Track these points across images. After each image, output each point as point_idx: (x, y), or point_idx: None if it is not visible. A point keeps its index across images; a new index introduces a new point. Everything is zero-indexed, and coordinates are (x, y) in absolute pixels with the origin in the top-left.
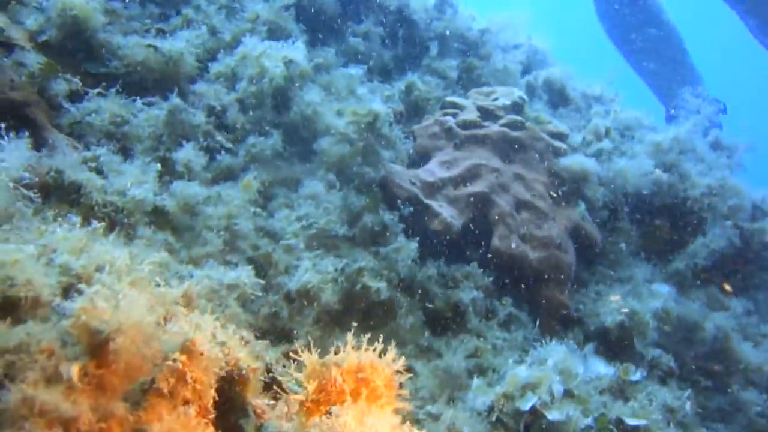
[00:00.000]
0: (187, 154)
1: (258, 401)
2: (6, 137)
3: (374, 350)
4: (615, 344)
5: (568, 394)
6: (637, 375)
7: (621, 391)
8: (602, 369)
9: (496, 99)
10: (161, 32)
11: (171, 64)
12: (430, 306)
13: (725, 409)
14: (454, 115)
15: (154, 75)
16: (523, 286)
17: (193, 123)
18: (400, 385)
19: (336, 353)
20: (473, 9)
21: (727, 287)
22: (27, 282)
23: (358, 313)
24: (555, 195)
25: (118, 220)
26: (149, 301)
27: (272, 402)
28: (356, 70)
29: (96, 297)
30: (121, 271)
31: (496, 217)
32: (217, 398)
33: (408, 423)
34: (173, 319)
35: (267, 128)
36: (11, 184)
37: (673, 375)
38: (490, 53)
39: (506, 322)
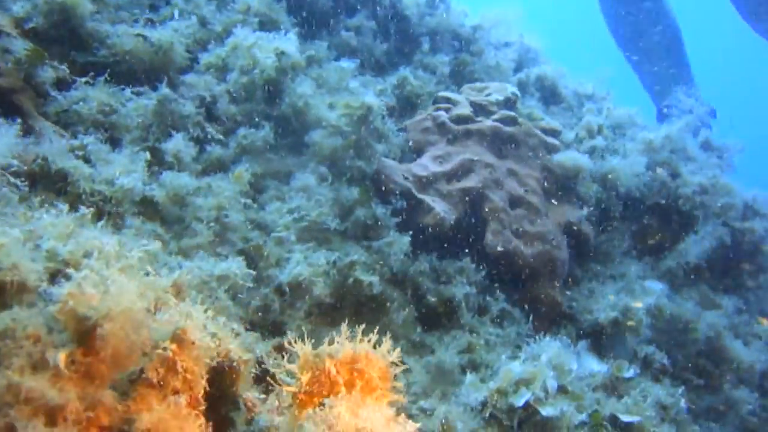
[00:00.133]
0: (177, 144)
1: (249, 394)
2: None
3: (369, 341)
4: (607, 341)
5: (561, 390)
6: (630, 372)
7: (614, 388)
8: (595, 366)
9: (489, 95)
10: (150, 22)
11: (160, 54)
12: (429, 300)
13: (717, 407)
14: (447, 110)
15: (143, 65)
16: (516, 281)
17: (183, 113)
18: (395, 377)
19: (330, 344)
20: (465, 5)
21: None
22: (12, 266)
23: (350, 307)
24: (548, 191)
25: (105, 210)
26: (139, 287)
27: (263, 396)
28: (348, 64)
29: (84, 282)
30: (110, 258)
31: (489, 213)
32: (207, 390)
33: (403, 415)
34: (163, 307)
35: (258, 120)
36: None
37: (667, 372)
38: (482, 50)
39: (499, 317)
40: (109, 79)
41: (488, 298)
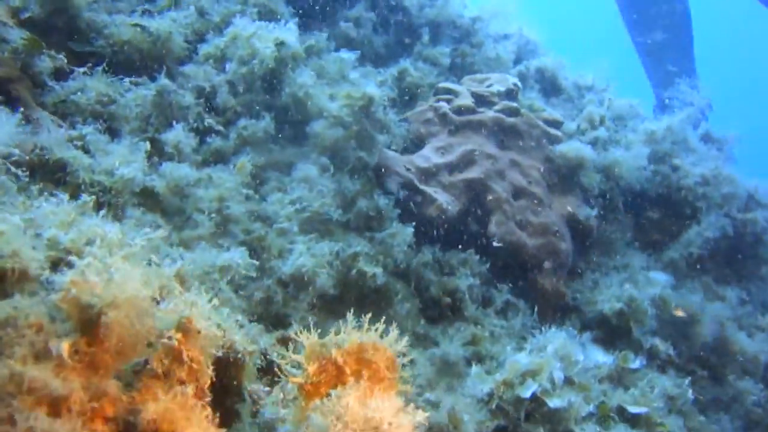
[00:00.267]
0: (177, 135)
1: (254, 386)
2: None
3: (376, 330)
4: (613, 332)
5: (568, 381)
6: (636, 363)
7: (620, 379)
8: (601, 357)
9: (490, 85)
10: (148, 12)
11: (159, 44)
12: (433, 292)
13: (721, 399)
14: (449, 101)
15: (141, 55)
16: (519, 273)
17: (183, 104)
18: (402, 367)
19: (336, 334)
20: None
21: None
22: (13, 254)
23: (353, 299)
24: (550, 182)
25: (105, 201)
26: (144, 275)
27: (267, 388)
28: (348, 55)
29: (87, 270)
30: (113, 246)
31: (493, 204)
32: (212, 381)
33: (412, 405)
34: (168, 296)
35: (258, 110)
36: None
37: (673, 363)
38: (482, 41)
39: (503, 309)
40: (107, 69)
41: (492, 289)
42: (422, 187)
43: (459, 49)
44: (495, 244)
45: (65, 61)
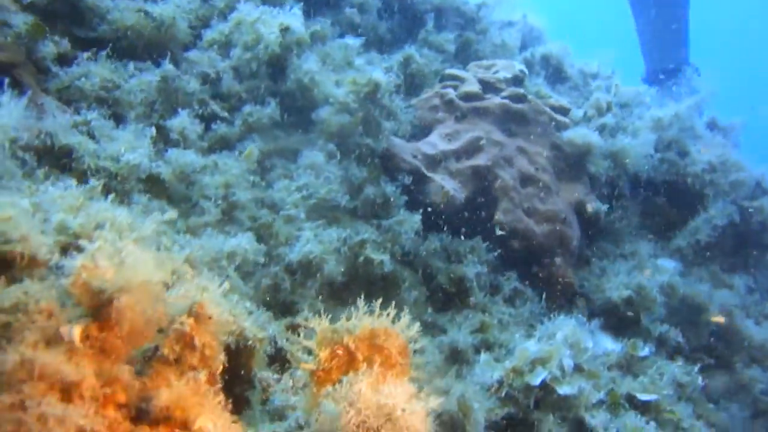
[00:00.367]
0: (182, 121)
1: (263, 374)
2: (4, 94)
3: (387, 316)
4: (621, 320)
5: (578, 368)
6: (645, 350)
7: (629, 366)
8: (609, 345)
9: (496, 72)
10: None
11: (163, 30)
12: (440, 280)
13: (729, 387)
14: (455, 88)
15: (145, 41)
16: (527, 260)
17: (187, 90)
18: (414, 353)
19: (348, 320)
20: None
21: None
22: (22, 238)
23: (361, 287)
24: (558, 169)
25: (111, 187)
26: (156, 259)
27: (276, 376)
28: (353, 41)
29: (98, 254)
30: (123, 229)
31: (500, 191)
32: (224, 367)
33: (425, 391)
34: (179, 281)
35: (263, 95)
36: (7, 144)
37: (682, 352)
38: (487, 28)
39: (511, 297)
40: (110, 54)
41: (500, 277)
42: (429, 174)
43: (464, 35)
44: (498, 232)
45: (69, 46)
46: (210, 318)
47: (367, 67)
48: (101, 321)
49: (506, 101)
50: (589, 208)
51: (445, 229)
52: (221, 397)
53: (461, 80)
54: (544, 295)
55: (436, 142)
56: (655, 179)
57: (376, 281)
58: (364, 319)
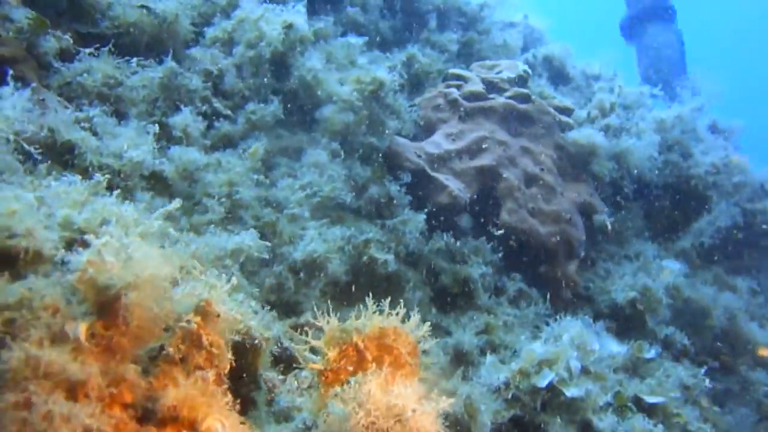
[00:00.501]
0: (185, 119)
1: (268, 374)
2: (7, 86)
3: (397, 315)
4: (626, 322)
5: (584, 370)
6: (651, 352)
7: (635, 369)
8: (615, 347)
9: (499, 72)
10: None
11: (165, 26)
12: (444, 280)
13: (733, 390)
14: (459, 87)
15: (147, 37)
16: (532, 261)
17: (190, 88)
18: (422, 353)
19: (356, 319)
20: None
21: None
22: (27, 233)
23: (365, 287)
24: (562, 169)
25: (114, 184)
26: (164, 255)
27: (281, 376)
28: (356, 40)
29: (104, 250)
30: (129, 225)
31: (504, 191)
32: (231, 366)
33: (435, 392)
34: (186, 277)
35: (266, 94)
36: (12, 137)
37: (688, 354)
38: (489, 28)
39: (516, 298)
40: (113, 50)
41: (505, 278)
42: (433, 174)
43: (467, 35)
44: (496, 232)
45: (71, 41)
46: (218, 316)
47: (370, 65)
48: (107, 319)
49: (510, 101)
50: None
51: (449, 228)
52: (229, 397)
53: (465, 80)
54: (548, 297)
55: (440, 142)
56: (658, 181)
57: (380, 281)
58: (373, 319)
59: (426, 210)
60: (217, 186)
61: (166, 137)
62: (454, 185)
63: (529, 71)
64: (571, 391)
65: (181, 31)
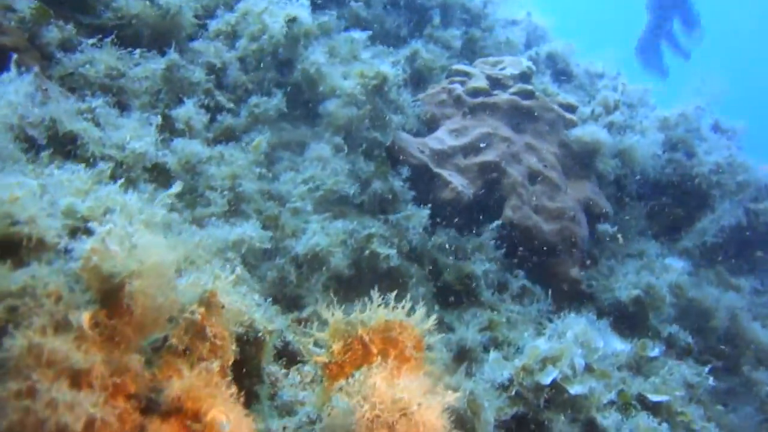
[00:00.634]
0: (188, 111)
1: (271, 368)
2: (11, 71)
3: (402, 308)
4: (629, 320)
5: (588, 368)
6: (655, 351)
7: (638, 367)
8: (618, 345)
9: (503, 68)
10: None
11: (168, 19)
12: (447, 277)
13: (736, 389)
14: (462, 83)
15: (150, 29)
16: (535, 258)
17: (193, 80)
18: (428, 348)
19: (361, 312)
20: None
21: None
22: (30, 220)
23: (367, 282)
24: (566, 166)
25: (117, 176)
26: (168, 244)
27: (284, 370)
28: (360, 35)
29: (108, 238)
30: (134, 213)
31: (508, 188)
32: (235, 359)
33: (441, 386)
34: (190, 267)
35: (270, 86)
36: (16, 122)
37: (691, 353)
38: (492, 25)
39: (519, 295)
40: (115, 42)
41: (508, 274)
42: (437, 169)
43: (470, 32)
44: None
45: (74, 31)
46: (222, 307)
47: (374, 60)
48: (111, 308)
49: (514, 97)
50: (597, 203)
51: (452, 225)
52: (233, 389)
53: (469, 76)
54: (550, 293)
55: (443, 138)
56: (661, 179)
57: (382, 277)
58: (378, 311)
59: (429, 206)
60: (219, 179)
61: (169, 129)
62: (458, 181)
63: (533, 68)
64: (575, 389)
65: (185, 23)
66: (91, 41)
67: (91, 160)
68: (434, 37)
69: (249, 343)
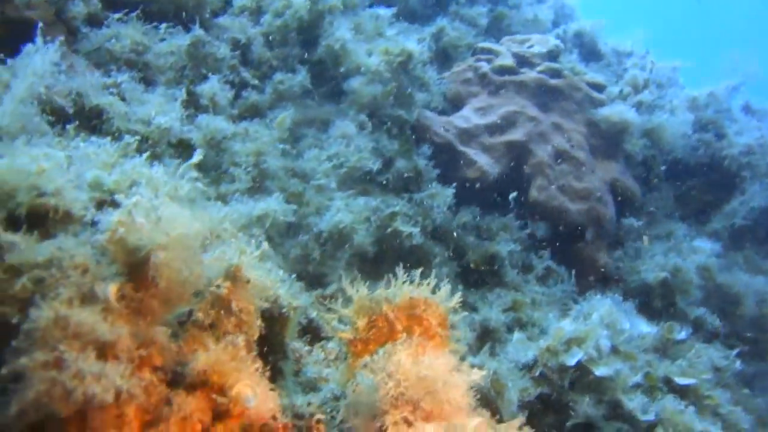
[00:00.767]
0: (213, 87)
1: (295, 344)
2: (36, 42)
3: (428, 285)
4: (656, 302)
5: (614, 350)
6: (681, 334)
7: (664, 350)
8: (644, 327)
9: (530, 46)
10: None
11: None
12: (471, 257)
13: (763, 373)
14: (488, 61)
15: (176, 5)
16: (560, 239)
17: (218, 56)
18: (453, 326)
19: (386, 288)
20: None
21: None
22: (56, 192)
23: (390, 261)
24: (593, 146)
25: (142, 150)
26: (194, 216)
27: (308, 347)
28: (385, 11)
29: (135, 210)
30: (160, 186)
31: (534, 167)
32: (260, 334)
33: (467, 363)
34: (215, 241)
35: (294, 63)
36: (43, 90)
37: (719, 336)
38: (519, 3)
39: (544, 276)
40: (141, 16)
41: (532, 255)
42: (462, 148)
43: (496, 10)
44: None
45: (99, 5)
46: (248, 282)
47: (399, 37)
48: (137, 280)
49: (542, 76)
50: (624, 185)
51: (477, 204)
52: (259, 363)
53: (495, 54)
54: (573, 273)
55: (469, 116)
56: (689, 160)
57: (405, 256)
58: (403, 288)
59: (454, 184)
60: (244, 155)
61: (194, 105)
62: (483, 160)
63: (561, 46)
64: (600, 370)
65: None
66: (116, 16)
67: (117, 134)
68: (460, 14)
69: (274, 319)
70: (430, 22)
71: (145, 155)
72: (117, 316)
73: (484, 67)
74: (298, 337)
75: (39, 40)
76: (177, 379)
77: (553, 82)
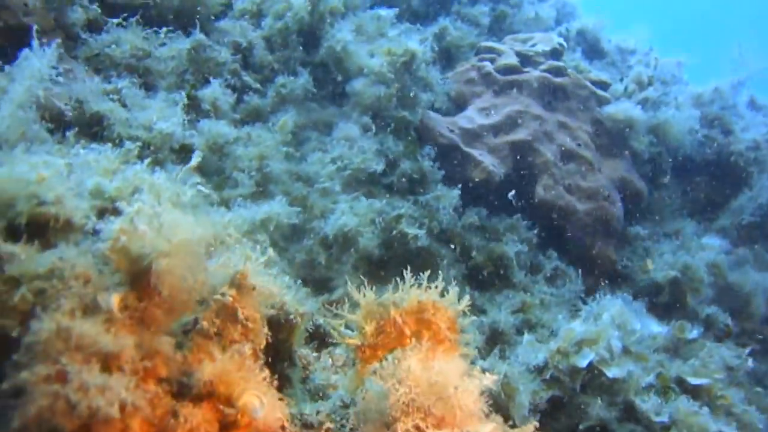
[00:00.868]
0: (214, 91)
1: (302, 351)
2: (33, 44)
3: (436, 288)
4: (666, 301)
5: (625, 351)
6: (693, 333)
7: (676, 349)
8: (655, 327)
9: (534, 45)
10: None
11: None
12: (478, 258)
13: None
14: (492, 61)
15: (175, 9)
16: (568, 239)
17: (219, 60)
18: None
19: (394, 292)
20: None
21: None
22: (57, 200)
23: (397, 264)
24: (599, 145)
25: (144, 157)
26: (197, 222)
27: (315, 354)
28: (387, 12)
29: (137, 218)
30: (162, 193)
31: (540, 167)
32: (267, 342)
33: (478, 368)
34: (219, 248)
35: (295, 65)
36: (42, 93)
37: (731, 334)
38: (520, 2)
39: (552, 276)
40: (140, 22)
41: (540, 256)
42: (467, 149)
43: (497, 9)
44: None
45: (99, 11)
46: (253, 289)
47: (401, 37)
48: (140, 290)
49: (546, 74)
50: (631, 183)
51: (483, 205)
52: (266, 372)
53: (498, 53)
54: (580, 273)
55: (473, 116)
56: (695, 157)
57: (412, 258)
58: (410, 292)
59: (459, 186)
60: (247, 160)
61: (195, 110)
62: (489, 161)
63: (564, 44)
64: (612, 372)
65: (209, 2)
66: (116, 21)
67: (118, 140)
68: (462, 14)
69: (280, 326)
70: (433, 22)
71: (146, 161)
72: (120, 327)
73: (488, 66)
74: (305, 343)
75: (35, 43)
76: (183, 391)
77: (558, 80)
